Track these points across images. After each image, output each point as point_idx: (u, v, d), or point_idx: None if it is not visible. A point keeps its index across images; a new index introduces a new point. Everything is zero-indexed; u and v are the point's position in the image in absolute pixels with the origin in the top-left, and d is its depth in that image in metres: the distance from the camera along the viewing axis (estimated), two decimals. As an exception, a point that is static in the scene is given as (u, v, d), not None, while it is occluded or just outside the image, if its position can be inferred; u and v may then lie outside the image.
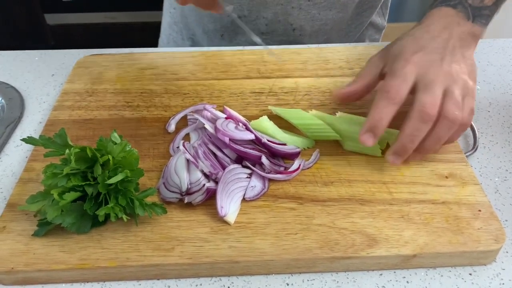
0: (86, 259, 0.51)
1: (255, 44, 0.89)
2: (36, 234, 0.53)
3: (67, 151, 0.53)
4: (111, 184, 0.51)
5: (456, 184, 0.58)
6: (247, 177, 0.58)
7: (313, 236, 0.53)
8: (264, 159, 0.59)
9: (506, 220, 0.57)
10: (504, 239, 0.52)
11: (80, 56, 0.79)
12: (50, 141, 0.54)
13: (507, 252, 0.54)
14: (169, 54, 0.79)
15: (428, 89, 0.55)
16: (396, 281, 0.52)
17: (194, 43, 0.97)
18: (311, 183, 0.58)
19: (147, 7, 1.89)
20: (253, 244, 0.52)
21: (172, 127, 0.66)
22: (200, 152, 0.59)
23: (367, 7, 0.91)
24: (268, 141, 0.60)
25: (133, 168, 0.53)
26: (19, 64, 0.82)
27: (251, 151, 0.59)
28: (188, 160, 0.58)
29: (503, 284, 0.52)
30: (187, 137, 0.65)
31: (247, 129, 0.61)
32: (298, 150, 0.61)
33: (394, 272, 0.53)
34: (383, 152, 0.61)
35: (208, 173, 0.57)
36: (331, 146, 0.63)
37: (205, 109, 0.65)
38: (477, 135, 0.67)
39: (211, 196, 0.56)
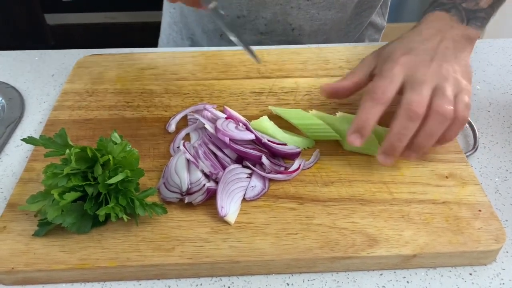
0: (86, 259, 0.51)
1: (256, 44, 0.89)
2: (36, 234, 0.53)
3: (67, 151, 0.53)
4: (111, 184, 0.51)
5: (456, 184, 0.58)
6: (247, 177, 0.58)
7: (314, 236, 0.53)
8: (264, 159, 0.59)
9: (506, 220, 0.57)
10: (504, 239, 0.52)
11: (80, 56, 0.79)
12: (51, 141, 0.54)
13: (507, 252, 0.55)
14: (169, 54, 0.79)
15: (415, 88, 0.55)
16: (396, 281, 0.52)
17: (194, 43, 0.97)
18: (312, 183, 0.58)
19: (147, 7, 1.89)
20: (253, 244, 0.52)
21: (172, 127, 0.66)
22: (200, 152, 0.59)
23: (366, 7, 0.91)
24: (268, 141, 0.60)
25: (133, 168, 0.53)
26: (19, 64, 0.82)
27: (251, 151, 0.59)
28: (188, 160, 0.58)
29: (503, 284, 0.52)
30: (187, 137, 0.65)
31: (247, 129, 0.61)
32: (298, 150, 0.61)
33: (394, 272, 0.53)
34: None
35: (208, 173, 0.57)
36: (331, 146, 0.63)
37: (205, 109, 0.65)
38: (477, 135, 0.67)
39: (211, 196, 0.56)
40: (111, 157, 0.52)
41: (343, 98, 0.65)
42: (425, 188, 0.58)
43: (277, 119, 0.65)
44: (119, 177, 0.51)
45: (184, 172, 0.56)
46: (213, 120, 0.62)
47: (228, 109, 0.65)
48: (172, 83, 0.74)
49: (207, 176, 0.57)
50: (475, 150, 0.65)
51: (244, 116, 0.65)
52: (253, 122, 0.63)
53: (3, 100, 0.74)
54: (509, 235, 0.56)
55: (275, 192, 0.57)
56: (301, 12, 0.85)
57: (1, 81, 0.78)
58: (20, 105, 0.73)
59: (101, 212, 0.51)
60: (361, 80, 0.62)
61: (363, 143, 0.57)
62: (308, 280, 0.52)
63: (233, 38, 0.64)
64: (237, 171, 0.58)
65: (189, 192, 0.55)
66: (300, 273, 0.53)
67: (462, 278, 0.52)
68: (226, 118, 0.63)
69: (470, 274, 0.53)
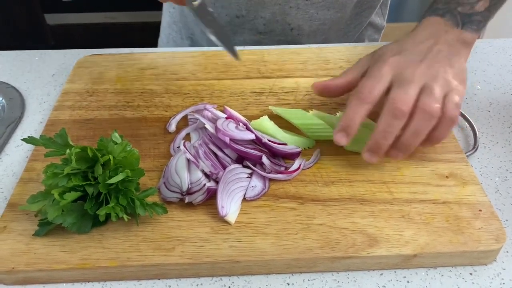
0: (87, 259, 0.51)
1: (255, 43, 0.88)
2: (37, 234, 0.53)
3: (67, 151, 0.53)
4: (111, 184, 0.51)
5: (457, 184, 0.58)
6: (247, 177, 0.58)
7: (314, 236, 0.53)
8: (264, 159, 0.59)
9: (507, 220, 0.58)
10: (505, 238, 0.52)
11: (80, 56, 0.79)
12: (51, 141, 0.54)
13: (507, 252, 0.55)
14: (169, 54, 0.79)
15: (402, 87, 0.55)
16: (397, 280, 0.52)
17: (193, 43, 0.97)
18: (312, 183, 0.58)
19: (147, 7, 1.89)
20: (253, 244, 0.52)
21: (172, 127, 0.66)
22: (200, 152, 0.59)
23: (366, 7, 0.91)
24: (269, 141, 0.60)
25: (133, 168, 0.53)
26: (19, 64, 0.82)
27: (251, 151, 0.59)
28: (188, 160, 0.58)
29: (503, 284, 0.52)
30: (187, 137, 0.65)
31: (248, 129, 0.61)
32: (298, 150, 0.61)
33: (395, 271, 0.53)
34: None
35: (208, 173, 0.57)
36: (332, 146, 0.63)
37: (205, 109, 0.65)
38: (478, 135, 0.67)
39: (211, 196, 0.56)
40: (111, 157, 0.52)
41: (334, 97, 0.65)
42: (426, 188, 0.58)
43: (277, 119, 0.65)
44: (119, 177, 0.51)
45: (184, 172, 0.56)
46: (214, 120, 0.62)
47: (229, 109, 0.65)
48: (172, 83, 0.74)
49: (207, 176, 0.57)
50: (475, 150, 0.65)
51: (244, 116, 0.65)
52: (253, 122, 0.63)
53: (3, 100, 0.74)
54: (510, 235, 0.56)
55: (275, 192, 0.57)
56: (300, 12, 0.85)
57: (1, 81, 0.78)
58: (20, 105, 0.73)
59: (102, 212, 0.51)
60: (354, 79, 0.62)
61: (362, 143, 0.57)
62: (309, 280, 0.52)
63: (212, 37, 0.63)
64: (237, 171, 0.58)
65: (189, 192, 0.56)
66: (301, 273, 0.53)
67: (463, 278, 0.52)
68: (227, 118, 0.63)
69: (471, 274, 0.53)
